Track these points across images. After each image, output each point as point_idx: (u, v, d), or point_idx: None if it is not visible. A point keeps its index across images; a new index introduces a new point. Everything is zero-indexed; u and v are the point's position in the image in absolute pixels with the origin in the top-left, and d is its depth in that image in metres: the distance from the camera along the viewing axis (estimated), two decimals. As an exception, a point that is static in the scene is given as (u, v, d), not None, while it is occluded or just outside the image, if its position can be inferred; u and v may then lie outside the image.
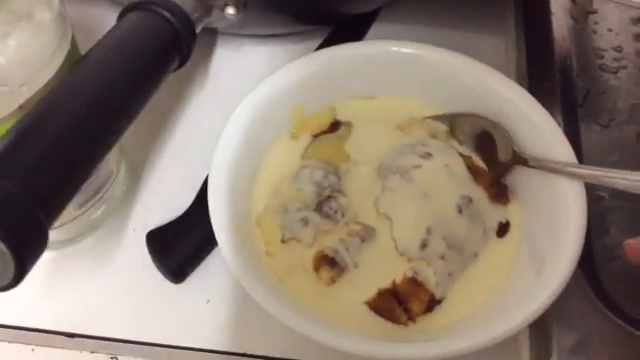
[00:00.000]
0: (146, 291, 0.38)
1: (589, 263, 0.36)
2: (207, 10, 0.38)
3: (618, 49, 0.46)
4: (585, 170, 0.35)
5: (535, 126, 0.37)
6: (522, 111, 0.38)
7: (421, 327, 0.34)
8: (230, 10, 0.39)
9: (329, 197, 0.36)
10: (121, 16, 0.34)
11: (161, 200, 0.41)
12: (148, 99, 0.33)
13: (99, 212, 0.39)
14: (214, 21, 0.40)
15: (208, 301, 0.37)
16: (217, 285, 0.38)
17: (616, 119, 0.42)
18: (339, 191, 0.37)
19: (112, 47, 0.32)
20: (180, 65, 0.35)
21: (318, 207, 0.35)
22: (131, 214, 0.41)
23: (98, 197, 0.37)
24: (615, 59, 0.46)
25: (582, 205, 0.34)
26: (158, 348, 0.37)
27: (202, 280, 0.38)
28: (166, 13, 0.33)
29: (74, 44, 0.33)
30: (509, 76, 0.46)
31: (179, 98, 0.46)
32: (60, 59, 0.31)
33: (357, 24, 0.50)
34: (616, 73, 0.45)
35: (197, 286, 0.38)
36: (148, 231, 0.38)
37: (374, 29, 0.51)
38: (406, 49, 0.41)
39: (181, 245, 0.37)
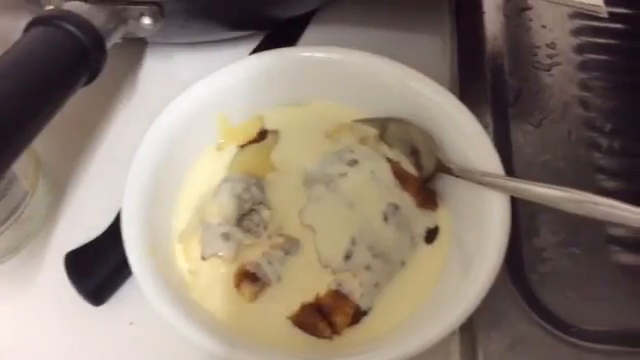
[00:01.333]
0: (67, 314, 0.37)
1: (517, 267, 0.35)
2: (121, 22, 0.37)
3: (552, 46, 0.46)
4: (508, 182, 0.34)
5: (462, 133, 0.37)
6: (450, 117, 0.37)
7: (347, 340, 0.33)
8: (146, 20, 0.38)
9: (251, 210, 0.35)
10: (27, 30, 0.33)
11: (85, 219, 0.40)
12: (53, 113, 0.32)
13: (17, 234, 0.37)
14: (133, 32, 0.39)
15: (131, 323, 0.36)
16: (140, 306, 0.36)
17: (548, 117, 0.42)
18: (262, 203, 0.36)
19: (12, 62, 0.31)
20: (90, 79, 0.34)
21: (239, 221, 0.34)
22: (54, 234, 0.40)
23: (13, 219, 0.36)
24: (548, 56, 0.45)
25: (506, 208, 0.33)
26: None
27: (125, 301, 0.37)
28: (71, 27, 0.33)
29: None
30: (444, 77, 0.46)
31: (105, 112, 0.45)
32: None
33: (291, 28, 0.49)
34: (549, 70, 0.44)
35: (120, 308, 0.37)
36: (67, 252, 0.37)
37: (309, 32, 0.50)
38: (333, 55, 0.40)
39: (100, 266, 0.36)
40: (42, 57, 0.31)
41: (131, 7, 0.37)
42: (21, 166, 0.36)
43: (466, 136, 0.37)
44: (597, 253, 0.37)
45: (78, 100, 0.45)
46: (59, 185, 0.41)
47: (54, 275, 0.37)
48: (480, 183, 0.34)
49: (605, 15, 0.39)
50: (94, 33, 0.33)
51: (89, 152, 0.43)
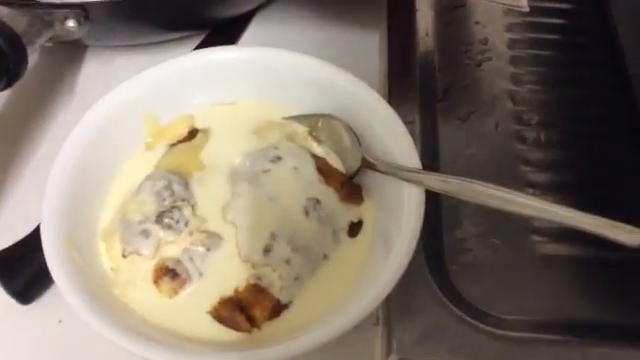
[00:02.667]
0: (-2, 314, 0.37)
1: (437, 258, 0.36)
2: (46, 25, 0.38)
3: (484, 42, 0.46)
4: (422, 176, 0.34)
5: (385, 130, 0.38)
6: (374, 114, 0.38)
7: (267, 333, 0.34)
8: (71, 23, 0.39)
9: (173, 207, 0.35)
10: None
11: (23, 219, 0.40)
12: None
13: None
14: (60, 35, 0.39)
15: (60, 321, 0.37)
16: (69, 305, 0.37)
17: (476, 112, 0.43)
18: (185, 200, 0.36)
19: None
20: (9, 83, 0.35)
21: (159, 218, 0.35)
22: (-12, 235, 0.40)
23: (-60, 221, 0.36)
24: (480, 52, 0.46)
25: (420, 200, 0.34)
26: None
27: (54, 300, 0.37)
28: (-13, 31, 0.33)
29: None
30: (377, 74, 0.47)
31: (45, 114, 0.46)
32: None
33: (231, 28, 0.50)
34: (480, 65, 0.45)
35: (49, 306, 0.37)
36: (-5, 252, 0.37)
37: (250, 32, 0.51)
38: (264, 54, 0.41)
39: (28, 266, 0.36)
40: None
41: (55, 11, 0.37)
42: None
43: (389, 132, 0.37)
44: (518, 243, 0.38)
45: (16, 103, 0.46)
46: (-6, 187, 0.42)
47: (-13, 276, 0.38)
48: (400, 178, 0.35)
49: (527, 10, 0.40)
50: (13, 37, 0.34)
51: (28, 153, 0.44)
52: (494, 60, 0.45)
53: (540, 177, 0.40)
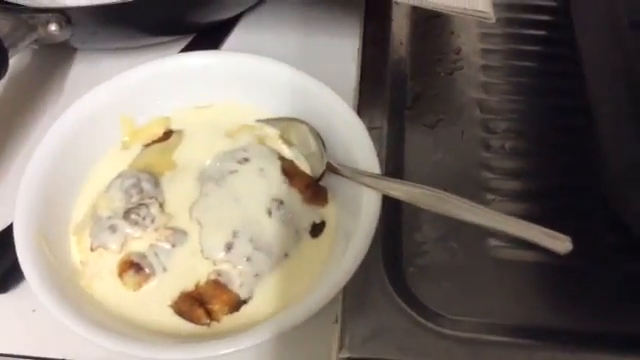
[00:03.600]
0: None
1: (394, 259, 0.37)
2: (29, 29, 0.40)
3: (457, 51, 0.48)
4: (378, 182, 0.36)
5: (350, 136, 0.39)
6: (341, 121, 0.40)
7: (227, 327, 0.35)
8: (53, 27, 0.40)
9: (140, 205, 0.37)
10: None
11: (4, 213, 0.42)
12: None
13: None
14: (43, 38, 0.41)
15: (34, 310, 0.39)
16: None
17: (444, 119, 0.44)
18: (154, 198, 0.38)
19: None
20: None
21: (126, 215, 0.37)
22: (-29, 227, 0.42)
23: None
24: (452, 61, 0.47)
25: (377, 203, 0.36)
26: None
27: (29, 290, 0.39)
28: (-32, 34, 0.35)
29: None
30: (354, 81, 0.48)
31: (32, 112, 0.47)
32: None
33: (215, 33, 0.51)
34: (451, 74, 0.46)
35: (24, 296, 0.39)
36: (-26, 243, 0.39)
37: (233, 37, 0.52)
38: (239, 60, 0.43)
39: (4, 257, 0.38)
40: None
41: (37, 15, 0.39)
42: None
43: (353, 138, 0.39)
44: (476, 248, 0.39)
45: (5, 102, 0.48)
46: (-20, 181, 0.44)
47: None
48: (360, 183, 0.37)
49: (493, 21, 0.41)
50: (-7, 40, 0.36)
51: (13, 150, 0.46)
52: (465, 69, 0.46)
53: (501, 184, 0.41)
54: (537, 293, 0.37)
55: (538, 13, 0.50)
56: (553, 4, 0.50)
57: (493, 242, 0.39)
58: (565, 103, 0.45)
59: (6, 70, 0.37)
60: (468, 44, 0.48)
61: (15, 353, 0.38)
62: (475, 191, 0.40)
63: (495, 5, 0.42)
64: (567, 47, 0.46)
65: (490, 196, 0.41)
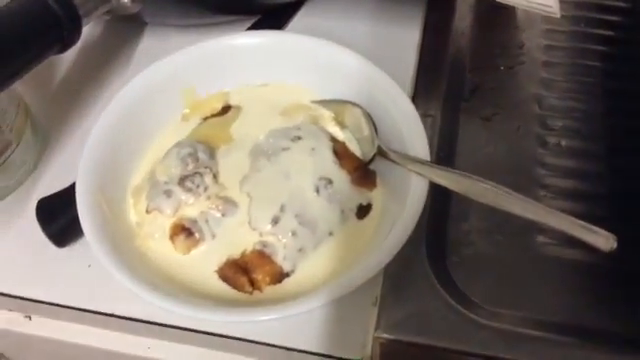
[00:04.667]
0: (37, 255, 0.41)
1: (438, 246, 0.37)
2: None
3: (520, 45, 0.47)
4: (426, 168, 0.36)
5: (402, 122, 0.39)
6: (393, 105, 0.40)
7: (268, 297, 0.36)
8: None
9: (195, 173, 0.39)
10: (13, -1, 0.38)
11: (69, 174, 0.44)
12: (23, 70, 0.36)
13: (2, 180, 0.42)
14: (116, 9, 0.43)
15: (89, 265, 0.41)
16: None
17: (501, 114, 0.44)
18: (209, 168, 0.39)
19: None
20: (63, 49, 0.39)
21: (181, 181, 0.38)
22: (38, 184, 0.45)
23: (-5, 165, 0.41)
24: (514, 56, 0.47)
25: (424, 189, 0.36)
26: (45, 306, 0.40)
27: (86, 246, 0.41)
28: (48, 0, 0.37)
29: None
30: (412, 68, 0.48)
31: (100, 81, 0.50)
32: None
33: (280, 15, 0.52)
34: (512, 69, 0.46)
35: (80, 251, 0.41)
36: (39, 198, 0.42)
37: (297, 20, 0.53)
38: (299, 41, 0.44)
39: (64, 213, 0.40)
40: (16, 21, 0.36)
41: (112, -14, 0.41)
42: (6, 119, 0.40)
43: (406, 124, 0.39)
44: (522, 242, 0.38)
45: (77, 69, 0.51)
46: (50, 142, 0.46)
47: (32, 220, 0.42)
48: (408, 169, 0.37)
49: (558, 17, 0.40)
50: (70, 8, 0.38)
51: (81, 115, 0.48)
52: (527, 64, 0.46)
53: (553, 181, 0.40)
54: (579, 292, 0.37)
55: (606, 13, 0.49)
56: (622, 5, 0.49)
57: (540, 238, 0.38)
58: (627, 106, 0.44)
59: (79, 37, 0.39)
60: (532, 39, 0.47)
61: (69, 304, 0.40)
62: (526, 186, 0.40)
63: (562, 2, 0.41)
64: (633, 49, 0.45)
65: (541, 192, 0.40)
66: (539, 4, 0.39)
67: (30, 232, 0.42)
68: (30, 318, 0.42)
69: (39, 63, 0.37)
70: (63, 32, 0.38)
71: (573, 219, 0.30)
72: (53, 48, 0.38)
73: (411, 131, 0.39)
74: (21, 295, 0.40)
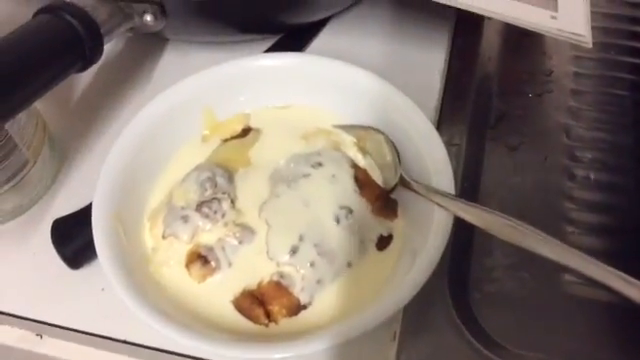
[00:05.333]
0: (51, 276, 0.40)
1: (461, 282, 0.36)
2: (126, 17, 0.41)
3: (547, 72, 0.46)
4: (451, 202, 0.35)
5: (427, 153, 0.38)
6: (419, 136, 0.39)
7: (284, 330, 0.35)
8: (148, 17, 0.42)
9: (213, 199, 0.38)
10: (34, 16, 0.37)
11: (86, 192, 0.44)
12: (44, 89, 0.36)
13: (18, 198, 0.42)
14: (138, 27, 0.43)
15: (103, 289, 0.40)
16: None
17: (527, 143, 0.42)
18: (227, 193, 0.38)
19: (12, 41, 0.35)
20: (84, 67, 0.38)
21: (199, 207, 0.37)
22: (55, 202, 0.44)
23: (12, 184, 0.40)
24: (542, 83, 0.45)
25: (448, 224, 0.35)
26: (56, 329, 0.40)
27: (100, 269, 0.40)
28: (71, 18, 0.37)
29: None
30: (436, 93, 0.47)
31: (119, 97, 0.49)
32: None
33: (302, 34, 0.52)
34: (539, 96, 0.45)
35: (95, 274, 0.40)
36: (54, 219, 0.41)
37: (319, 40, 0.52)
38: (322, 64, 0.43)
39: (79, 234, 0.39)
40: (39, 40, 0.35)
41: (134, 4, 0.41)
42: (24, 136, 0.40)
43: (430, 154, 0.38)
44: (548, 281, 0.37)
45: (96, 85, 0.50)
46: (67, 159, 0.46)
47: (47, 240, 0.42)
48: (432, 201, 0.36)
49: (589, 46, 0.39)
50: (92, 26, 0.37)
51: (99, 132, 0.47)
52: (555, 92, 0.45)
53: (582, 216, 0.39)
54: (607, 334, 0.35)
55: (637, 40, 0.47)
56: (653, 32, 0.48)
57: (567, 277, 0.37)
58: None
59: (101, 55, 0.39)
60: (560, 66, 0.46)
61: (80, 329, 0.39)
62: (553, 221, 0.39)
63: (591, 28, 0.40)
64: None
65: (569, 228, 0.39)
66: (572, 33, 0.38)
67: (44, 251, 0.41)
68: (41, 337, 0.41)
69: (60, 82, 0.37)
70: (85, 50, 0.37)
71: (605, 267, 0.29)
72: (74, 66, 0.37)
73: (436, 162, 0.38)
74: (32, 317, 0.40)
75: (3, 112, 0.33)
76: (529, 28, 0.39)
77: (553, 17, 0.38)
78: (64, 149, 0.46)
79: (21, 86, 0.34)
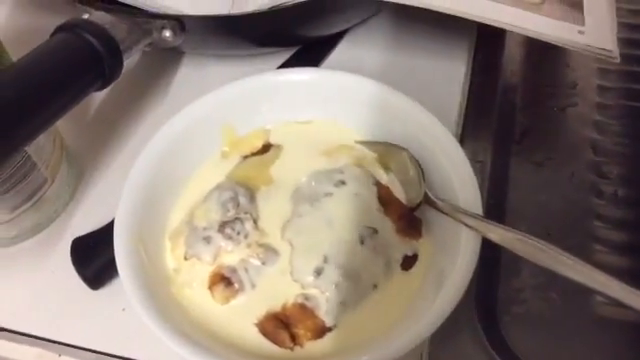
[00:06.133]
0: (70, 295, 0.40)
1: (489, 305, 0.36)
2: (145, 33, 0.41)
3: (572, 86, 0.45)
4: (480, 224, 0.34)
5: (452, 170, 0.38)
6: (444, 154, 0.38)
7: (309, 353, 0.35)
8: (167, 33, 0.41)
9: (236, 219, 0.37)
10: (53, 35, 0.37)
11: (104, 209, 0.43)
12: (64, 109, 0.36)
13: (37, 216, 0.41)
14: (157, 43, 0.42)
15: (124, 309, 0.39)
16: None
17: (553, 158, 0.42)
18: (249, 213, 0.38)
19: (31, 61, 0.34)
20: (104, 85, 0.38)
21: (221, 228, 0.37)
22: (73, 220, 0.44)
23: (31, 203, 0.40)
24: (566, 96, 0.45)
25: (476, 245, 0.34)
26: (78, 350, 0.39)
27: (120, 288, 0.40)
28: (90, 36, 0.36)
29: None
30: (458, 109, 0.46)
31: (136, 113, 0.49)
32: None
33: (319, 47, 0.51)
34: (563, 111, 0.44)
35: (115, 294, 0.40)
36: (74, 238, 0.40)
37: (337, 53, 0.52)
38: (343, 79, 0.42)
39: (99, 254, 0.39)
40: (58, 59, 0.35)
41: (153, 20, 0.40)
42: (42, 155, 0.39)
43: (456, 172, 0.38)
44: (578, 301, 0.36)
45: (113, 100, 0.50)
46: (85, 175, 0.45)
47: (66, 258, 0.41)
48: (458, 220, 0.35)
49: (617, 61, 0.38)
50: (111, 43, 0.37)
51: (116, 148, 0.47)
52: (580, 106, 0.44)
53: (610, 234, 0.38)
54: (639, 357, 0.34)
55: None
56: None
57: (598, 298, 0.36)
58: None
59: (120, 72, 0.38)
60: (584, 79, 0.45)
61: (100, 350, 0.39)
62: (581, 240, 0.38)
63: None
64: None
65: (597, 246, 0.38)
66: (600, 49, 0.37)
67: (63, 269, 0.41)
68: (60, 355, 0.41)
69: (81, 101, 0.36)
70: (105, 69, 0.37)
71: (635, 291, 0.28)
72: (94, 85, 0.37)
73: (462, 180, 0.37)
74: (51, 338, 0.39)
75: (24, 136, 0.33)
76: (556, 43, 0.38)
77: (580, 32, 0.38)
78: (81, 166, 0.46)
79: (41, 110, 0.33)
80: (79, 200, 0.44)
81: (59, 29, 0.36)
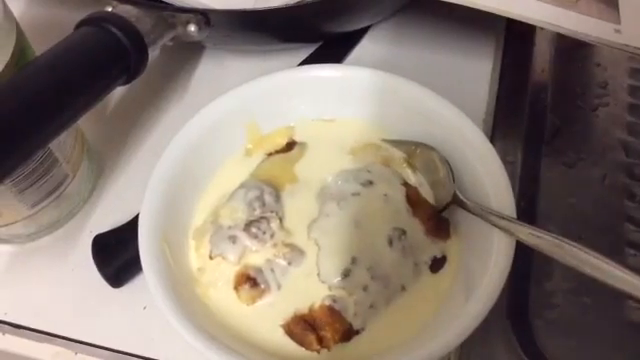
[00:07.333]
0: (90, 293, 0.39)
1: (521, 309, 0.35)
2: (169, 27, 0.40)
3: (602, 85, 0.44)
4: (513, 227, 0.33)
5: (483, 170, 0.36)
6: (474, 153, 0.37)
7: (336, 356, 0.34)
8: (192, 28, 0.40)
9: (261, 218, 0.36)
10: (77, 27, 0.36)
11: (124, 205, 0.43)
12: (90, 105, 0.35)
13: (56, 212, 0.41)
14: (181, 37, 0.41)
15: (145, 307, 0.39)
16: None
17: (584, 159, 0.41)
18: (275, 212, 0.37)
19: (58, 54, 0.34)
20: (129, 79, 0.37)
21: (247, 227, 0.36)
22: (92, 216, 0.43)
23: (52, 198, 0.39)
24: (597, 96, 0.44)
25: (509, 249, 0.33)
26: (96, 349, 0.38)
27: (142, 287, 0.39)
28: (115, 30, 0.35)
29: (21, 45, 0.35)
30: (485, 107, 0.45)
31: (156, 108, 0.48)
32: (5, 57, 0.33)
33: (342, 42, 0.50)
34: (595, 110, 0.43)
35: (137, 292, 0.39)
36: (95, 235, 0.40)
37: (360, 49, 0.51)
38: (369, 76, 0.41)
39: (121, 252, 0.38)
40: (83, 54, 0.34)
41: (178, 14, 0.39)
42: (64, 151, 0.39)
43: (487, 173, 0.36)
44: (611, 306, 0.36)
45: (133, 95, 0.49)
46: (104, 171, 0.45)
47: (86, 255, 0.41)
48: (490, 222, 0.34)
49: (654, 59, 0.37)
50: (136, 37, 0.36)
51: (136, 143, 0.46)
52: (611, 106, 0.43)
53: (644, 239, 0.38)
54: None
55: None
56: None
57: (631, 302, 0.35)
58: None
59: (145, 67, 0.37)
60: (616, 78, 0.44)
61: (120, 349, 0.38)
62: (614, 244, 0.37)
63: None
64: None
65: (630, 251, 0.37)
66: (637, 48, 0.36)
67: (83, 266, 0.40)
68: (76, 353, 0.40)
69: (105, 96, 0.36)
70: (130, 63, 0.36)
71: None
72: (119, 80, 0.36)
73: (494, 181, 0.36)
74: (71, 336, 0.38)
75: (50, 131, 0.32)
76: (591, 42, 0.37)
77: (617, 30, 0.37)
78: (101, 161, 0.45)
79: (66, 105, 0.33)
80: (98, 196, 0.44)
81: (84, 22, 0.36)
